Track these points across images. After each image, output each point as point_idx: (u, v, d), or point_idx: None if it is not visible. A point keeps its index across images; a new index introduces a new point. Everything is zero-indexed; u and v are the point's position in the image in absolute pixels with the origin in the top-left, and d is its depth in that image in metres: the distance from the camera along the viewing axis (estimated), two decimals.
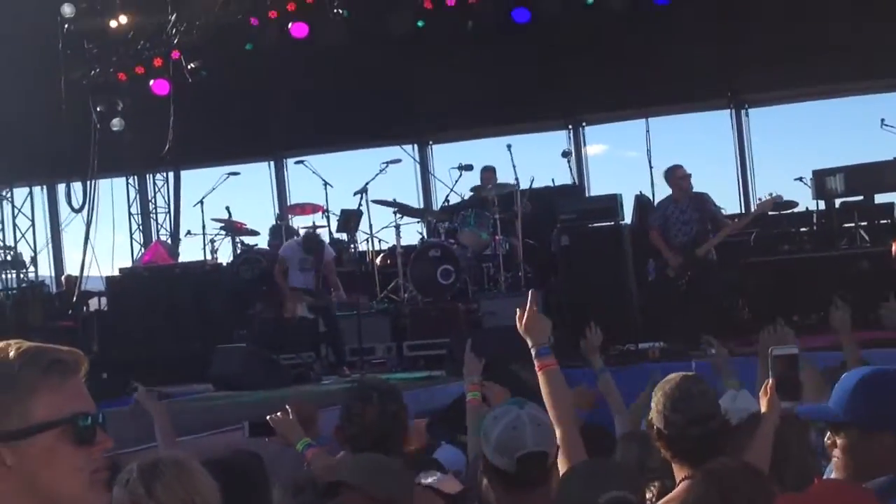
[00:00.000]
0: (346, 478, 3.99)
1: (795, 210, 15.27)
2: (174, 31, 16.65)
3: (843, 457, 3.56)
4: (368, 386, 5.00)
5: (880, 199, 14.62)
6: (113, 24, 16.99)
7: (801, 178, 14.86)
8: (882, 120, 14.87)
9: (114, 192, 19.43)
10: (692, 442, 4.10)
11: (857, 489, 3.49)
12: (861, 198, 14.47)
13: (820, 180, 14.35)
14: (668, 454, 4.22)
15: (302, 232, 15.61)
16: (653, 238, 12.81)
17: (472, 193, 15.22)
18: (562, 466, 4.13)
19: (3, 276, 19.09)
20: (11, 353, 2.09)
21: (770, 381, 4.57)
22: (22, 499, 2.07)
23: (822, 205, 14.73)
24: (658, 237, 12.68)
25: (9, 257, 19.40)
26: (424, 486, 4.49)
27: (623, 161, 25.97)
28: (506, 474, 3.87)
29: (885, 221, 14.38)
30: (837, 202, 14.60)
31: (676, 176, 12.72)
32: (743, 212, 15.48)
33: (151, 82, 16.93)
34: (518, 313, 4.67)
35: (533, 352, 4.63)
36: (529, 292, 4.88)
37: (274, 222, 17.16)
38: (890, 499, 3.39)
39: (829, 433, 3.73)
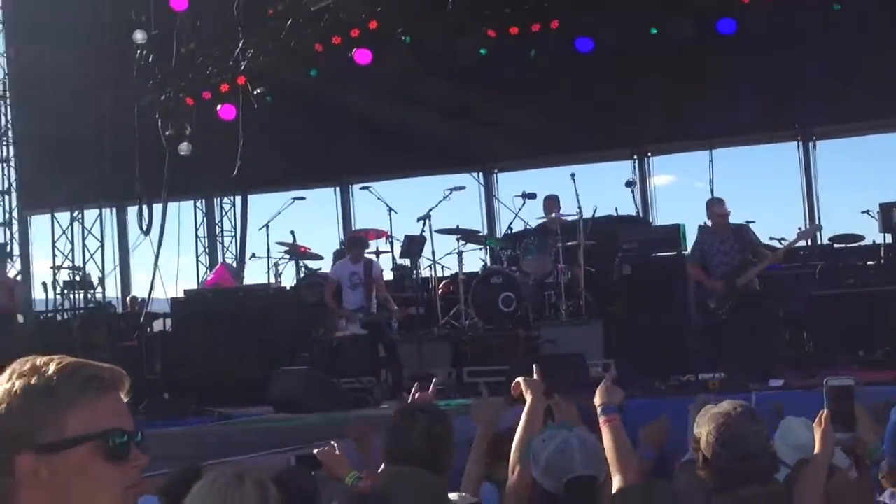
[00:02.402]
0: (381, 488, 4.03)
1: (862, 243, 15.12)
2: (241, 56, 16.91)
3: None
4: (414, 408, 5.03)
5: None
6: (182, 50, 17.30)
7: (867, 211, 14.65)
8: None
9: (181, 215, 19.72)
10: (736, 476, 4.12)
11: None
12: None
13: (887, 213, 14.20)
14: (711, 483, 4.25)
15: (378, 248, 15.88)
16: (690, 270, 12.81)
17: (537, 222, 15.23)
18: None
19: (72, 296, 19.35)
20: (51, 368, 2.09)
21: (825, 411, 4.57)
22: None
23: (888, 238, 14.56)
24: (696, 269, 12.64)
25: (77, 278, 19.66)
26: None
27: (690, 191, 25.88)
28: (554, 497, 3.91)
29: None
30: None
31: (713, 211, 12.72)
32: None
33: (219, 107, 17.17)
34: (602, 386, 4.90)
35: (599, 409, 4.77)
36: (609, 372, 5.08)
37: (338, 247, 17.25)
38: None
39: (883, 468, 3.73)
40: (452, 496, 4.70)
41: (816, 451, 4.52)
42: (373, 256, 15.09)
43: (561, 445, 4.00)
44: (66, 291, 19.40)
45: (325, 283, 14.60)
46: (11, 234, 22.05)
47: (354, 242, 14.54)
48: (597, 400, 5.05)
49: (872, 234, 14.86)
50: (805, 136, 17.90)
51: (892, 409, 4.14)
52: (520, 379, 5.00)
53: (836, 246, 15.16)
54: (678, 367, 12.29)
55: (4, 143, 22.19)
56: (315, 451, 5.13)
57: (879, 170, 20.03)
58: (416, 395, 5.46)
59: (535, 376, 5.05)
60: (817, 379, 6.28)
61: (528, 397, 4.82)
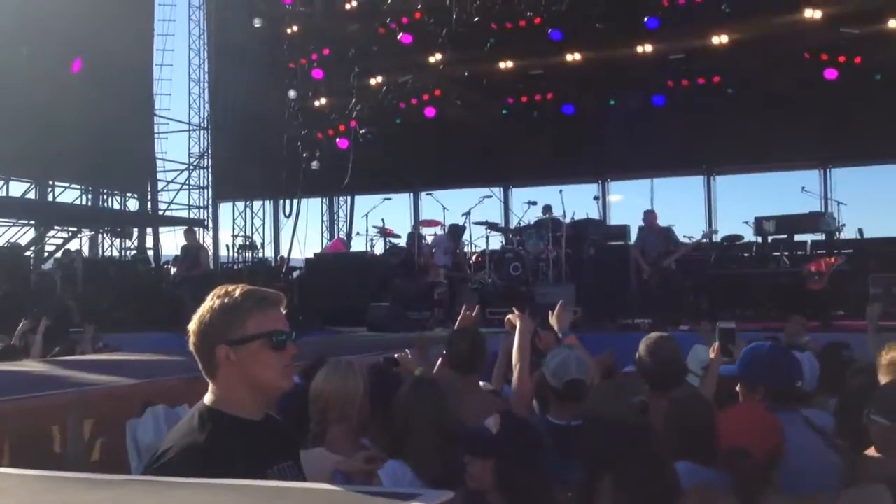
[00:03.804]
0: (439, 377, 4.11)
1: (742, 242, 14.97)
2: (353, 109, 17.04)
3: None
4: (465, 329, 5.07)
5: (798, 237, 14.17)
6: (317, 103, 17.46)
7: (747, 222, 14.52)
8: (802, 187, 14.75)
9: (309, 207, 19.98)
10: (658, 376, 4.15)
11: (759, 409, 3.58)
12: (785, 236, 14.08)
13: (758, 224, 14.10)
14: (644, 381, 4.23)
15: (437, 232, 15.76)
16: (633, 253, 12.63)
17: (535, 219, 15.11)
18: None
19: (243, 254, 19.64)
20: (237, 292, 2.16)
21: (716, 343, 4.63)
22: (240, 382, 2.13)
23: (759, 239, 14.40)
24: (637, 254, 12.47)
25: (247, 243, 19.94)
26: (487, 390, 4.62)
27: (633, 205, 25.75)
28: (557, 391, 3.94)
29: (800, 253, 14.09)
30: (770, 238, 14.31)
31: (650, 216, 12.67)
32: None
33: (337, 140, 17.32)
34: (556, 310, 4.86)
35: (560, 334, 4.78)
36: (559, 303, 4.99)
37: (410, 230, 17.35)
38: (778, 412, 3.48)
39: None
40: (482, 384, 4.78)
41: (711, 366, 4.58)
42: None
43: (564, 358, 3.95)
44: (239, 251, 19.68)
45: (402, 252, 14.68)
46: (207, 214, 22.39)
47: (455, 230, 14.59)
48: (554, 325, 5.04)
49: (749, 236, 14.72)
50: (709, 172, 17.76)
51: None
52: (510, 315, 4.70)
53: (725, 243, 15.07)
54: (621, 314, 12.29)
55: (206, 158, 22.50)
56: (395, 355, 5.07)
57: (756, 194, 19.96)
58: (464, 314, 5.29)
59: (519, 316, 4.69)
60: (711, 324, 6.30)
61: (519, 324, 4.59)
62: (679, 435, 3.29)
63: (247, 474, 1.95)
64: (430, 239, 16.12)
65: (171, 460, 2.01)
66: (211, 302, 2.16)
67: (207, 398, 2.17)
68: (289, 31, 17.39)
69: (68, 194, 20.28)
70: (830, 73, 14.27)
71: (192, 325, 2.16)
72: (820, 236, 14.23)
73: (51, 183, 19.89)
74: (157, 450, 2.11)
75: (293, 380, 2.30)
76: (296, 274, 16.68)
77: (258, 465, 2.06)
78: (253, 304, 2.15)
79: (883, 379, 3.54)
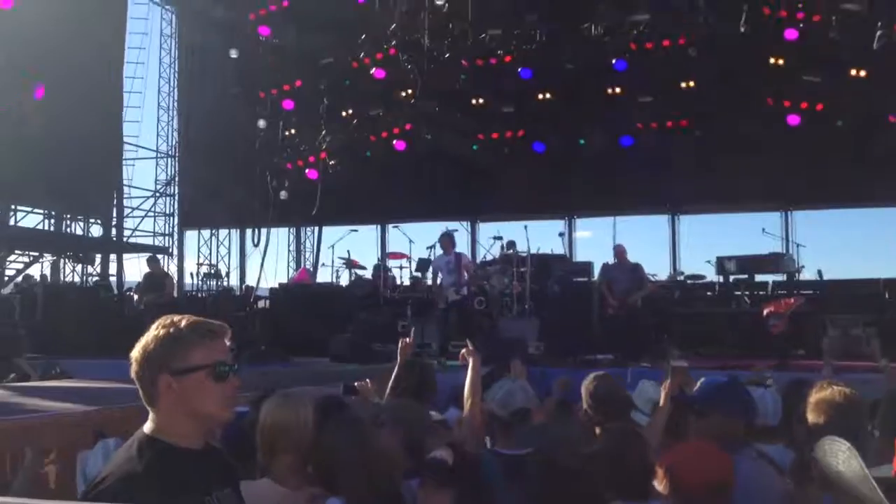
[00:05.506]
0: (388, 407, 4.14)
1: (704, 281, 15.18)
2: (322, 141, 17.06)
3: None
4: (414, 363, 5.11)
5: (759, 277, 14.46)
6: (286, 133, 17.49)
7: (709, 261, 14.80)
8: (763, 229, 14.99)
9: (279, 236, 19.85)
10: (600, 414, 4.23)
11: (709, 446, 3.60)
12: (746, 276, 14.33)
13: (721, 263, 14.32)
14: (587, 419, 4.35)
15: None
16: (602, 288, 12.53)
17: (501, 254, 15.14)
18: None
19: (208, 283, 19.48)
20: (183, 323, 2.17)
21: (668, 381, 4.68)
22: (181, 411, 2.13)
23: (721, 279, 14.64)
24: (605, 289, 12.40)
25: (212, 271, 19.80)
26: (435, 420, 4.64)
27: (599, 242, 25.98)
28: (503, 420, 4.03)
29: (761, 293, 14.29)
30: (731, 278, 14.52)
31: (619, 250, 12.76)
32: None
33: (307, 171, 17.31)
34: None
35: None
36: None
37: (376, 262, 17.35)
38: (733, 454, 3.48)
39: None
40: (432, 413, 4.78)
41: (661, 403, 4.63)
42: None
43: (509, 389, 4.07)
44: (204, 279, 19.53)
45: (368, 284, 14.57)
46: (173, 242, 22.19)
47: (445, 238, 13.07)
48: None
49: (711, 275, 14.96)
50: (674, 212, 18.01)
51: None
52: (463, 350, 4.75)
53: (688, 282, 15.24)
54: (583, 350, 12.30)
55: (172, 186, 22.36)
56: (356, 383, 5.02)
57: (718, 234, 20.31)
58: (402, 344, 5.29)
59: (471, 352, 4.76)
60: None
61: (471, 361, 4.63)
62: (610, 468, 3.31)
63: (183, 502, 1.94)
64: (396, 271, 16.10)
65: (107, 488, 2.00)
66: (155, 331, 2.16)
67: (147, 426, 2.16)
68: (262, 62, 17.43)
69: (30, 219, 20.02)
70: (793, 119, 14.60)
71: (135, 353, 2.16)
72: (781, 277, 14.46)
73: (13, 207, 19.61)
74: (96, 477, 2.10)
75: (234, 411, 2.29)
76: (261, 304, 16.56)
77: (195, 493, 2.07)
78: (197, 335, 2.17)
79: (811, 417, 3.59)
